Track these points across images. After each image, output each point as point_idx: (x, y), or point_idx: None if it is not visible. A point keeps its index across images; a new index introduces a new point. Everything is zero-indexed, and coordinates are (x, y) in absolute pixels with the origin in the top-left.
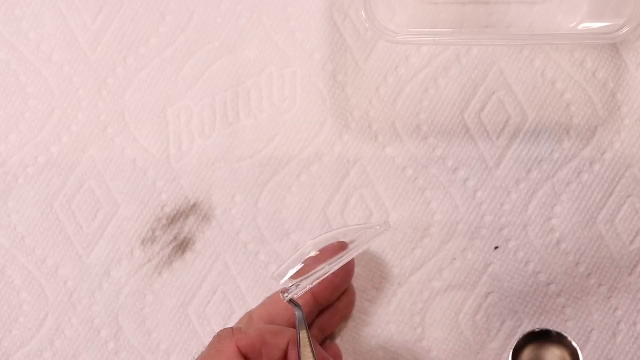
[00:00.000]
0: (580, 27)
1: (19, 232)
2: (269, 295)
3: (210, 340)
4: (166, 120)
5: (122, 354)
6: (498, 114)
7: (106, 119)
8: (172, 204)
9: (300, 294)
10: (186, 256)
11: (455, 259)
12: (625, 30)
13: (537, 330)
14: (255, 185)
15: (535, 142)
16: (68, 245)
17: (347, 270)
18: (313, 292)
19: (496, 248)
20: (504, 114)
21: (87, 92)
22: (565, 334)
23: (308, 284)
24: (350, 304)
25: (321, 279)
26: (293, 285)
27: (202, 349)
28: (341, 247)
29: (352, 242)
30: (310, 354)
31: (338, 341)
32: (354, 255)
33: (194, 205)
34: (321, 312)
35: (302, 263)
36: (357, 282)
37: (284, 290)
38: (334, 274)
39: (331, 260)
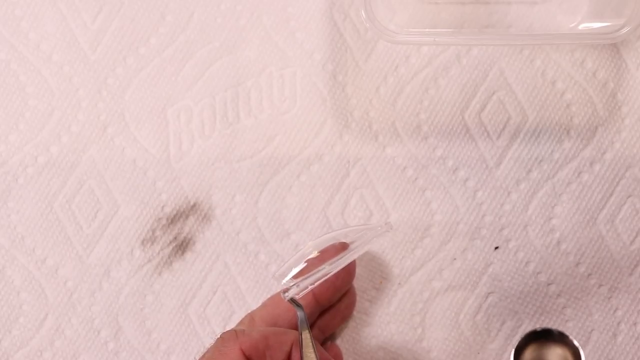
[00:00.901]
0: (581, 27)
1: (18, 232)
2: (269, 295)
3: (211, 341)
4: (166, 120)
5: (122, 354)
6: (498, 114)
7: (106, 119)
8: (172, 204)
9: (301, 294)
10: (186, 256)
11: (455, 259)
12: (625, 30)
13: (538, 329)
14: (255, 185)
15: (536, 142)
16: (68, 245)
17: (349, 271)
18: (314, 293)
19: (496, 248)
20: (504, 114)
21: (87, 92)
22: (567, 333)
23: (309, 283)
24: (351, 305)
25: (322, 279)
26: (294, 284)
27: (202, 349)
28: (342, 247)
29: (353, 242)
30: (313, 355)
31: (338, 341)
32: (355, 256)
33: (194, 205)
34: (322, 312)
35: (303, 263)
36: (357, 282)
37: (285, 290)
38: (335, 275)
39: (332, 261)
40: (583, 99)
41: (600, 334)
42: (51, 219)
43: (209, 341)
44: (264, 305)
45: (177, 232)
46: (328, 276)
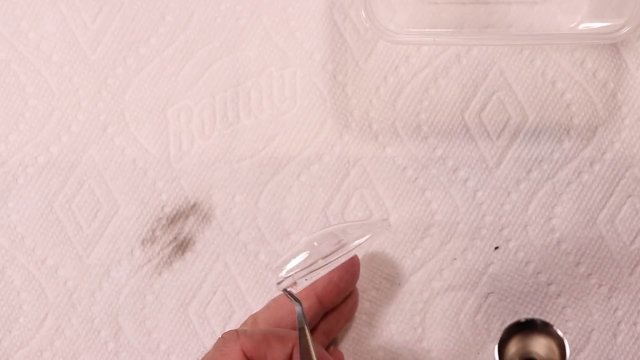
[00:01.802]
0: (581, 27)
1: (18, 232)
2: (269, 295)
3: (211, 341)
4: (166, 120)
5: (121, 354)
6: (498, 114)
7: (106, 118)
8: (172, 204)
9: (299, 289)
10: (186, 256)
11: (455, 259)
12: (625, 30)
13: (522, 320)
14: (255, 185)
15: (536, 142)
16: (68, 245)
17: (352, 272)
18: (317, 295)
19: (496, 248)
20: (504, 114)
21: (86, 92)
22: (551, 323)
23: (303, 275)
24: (354, 307)
25: (320, 272)
26: (289, 276)
27: (202, 349)
28: (340, 242)
29: (351, 237)
30: (310, 349)
31: (339, 341)
32: (353, 252)
33: (194, 205)
34: (325, 315)
35: (301, 257)
36: (357, 283)
37: (280, 281)
38: (338, 276)
39: (329, 255)
40: (583, 99)
41: (600, 334)
42: (51, 219)
43: (209, 341)
44: (267, 307)
45: (177, 232)
46: (324, 271)
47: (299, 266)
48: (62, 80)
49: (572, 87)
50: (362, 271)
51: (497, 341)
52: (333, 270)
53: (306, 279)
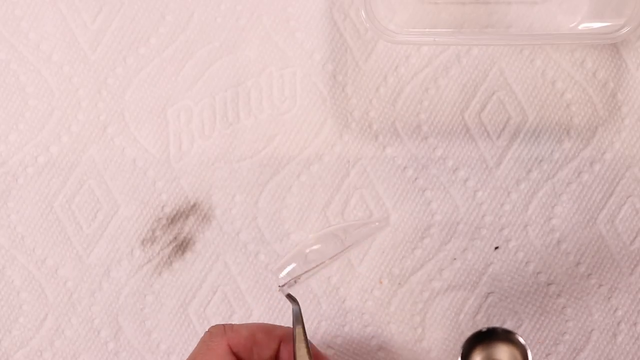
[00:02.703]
0: (581, 27)
1: (18, 232)
2: (269, 295)
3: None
4: (166, 120)
5: (121, 354)
6: (498, 114)
7: (106, 118)
8: (172, 204)
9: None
10: (186, 256)
11: (455, 259)
12: (625, 30)
13: (483, 329)
14: (255, 185)
15: (536, 142)
16: (68, 245)
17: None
18: None
19: (496, 248)
20: (504, 114)
21: (86, 92)
22: (514, 331)
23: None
24: None
25: (318, 271)
26: (292, 279)
27: None
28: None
29: (351, 237)
30: (305, 350)
31: (339, 341)
32: (353, 250)
33: (194, 205)
34: None
35: (301, 258)
36: (357, 282)
37: (282, 285)
38: None
39: (330, 255)
40: (583, 99)
41: (600, 334)
42: (51, 219)
43: None
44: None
45: (177, 232)
46: (324, 269)
47: (300, 269)
48: (62, 80)
49: (572, 87)
50: (363, 271)
51: (460, 355)
52: None
53: (306, 277)
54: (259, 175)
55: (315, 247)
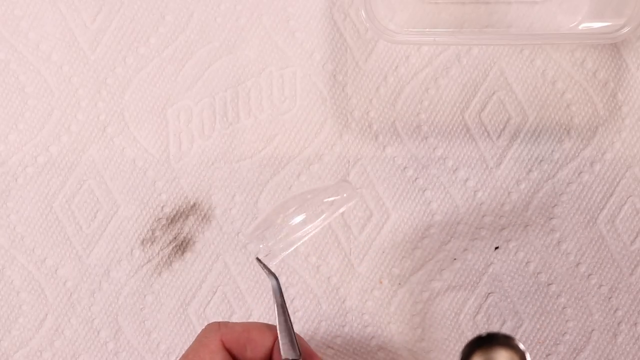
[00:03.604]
0: (581, 27)
1: (18, 232)
2: (269, 295)
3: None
4: (166, 120)
5: (121, 354)
6: (498, 113)
7: (105, 118)
8: (171, 204)
9: (276, 261)
10: (186, 256)
11: (455, 259)
12: (625, 30)
13: (483, 334)
14: (255, 185)
15: (536, 142)
16: (67, 245)
17: None
18: None
19: (496, 248)
20: (504, 114)
21: (86, 91)
22: (513, 337)
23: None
24: None
25: (296, 244)
26: (264, 246)
27: None
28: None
29: (320, 200)
30: (285, 324)
31: (339, 341)
32: (329, 220)
33: (194, 205)
34: None
35: (272, 222)
36: (357, 282)
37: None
38: None
39: (306, 224)
40: (583, 99)
41: (601, 334)
42: (51, 219)
43: None
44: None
45: (177, 232)
46: (300, 242)
47: (275, 235)
48: (61, 80)
49: (572, 87)
50: (363, 271)
51: (460, 358)
52: None
53: (283, 251)
54: (258, 175)
55: (287, 213)
